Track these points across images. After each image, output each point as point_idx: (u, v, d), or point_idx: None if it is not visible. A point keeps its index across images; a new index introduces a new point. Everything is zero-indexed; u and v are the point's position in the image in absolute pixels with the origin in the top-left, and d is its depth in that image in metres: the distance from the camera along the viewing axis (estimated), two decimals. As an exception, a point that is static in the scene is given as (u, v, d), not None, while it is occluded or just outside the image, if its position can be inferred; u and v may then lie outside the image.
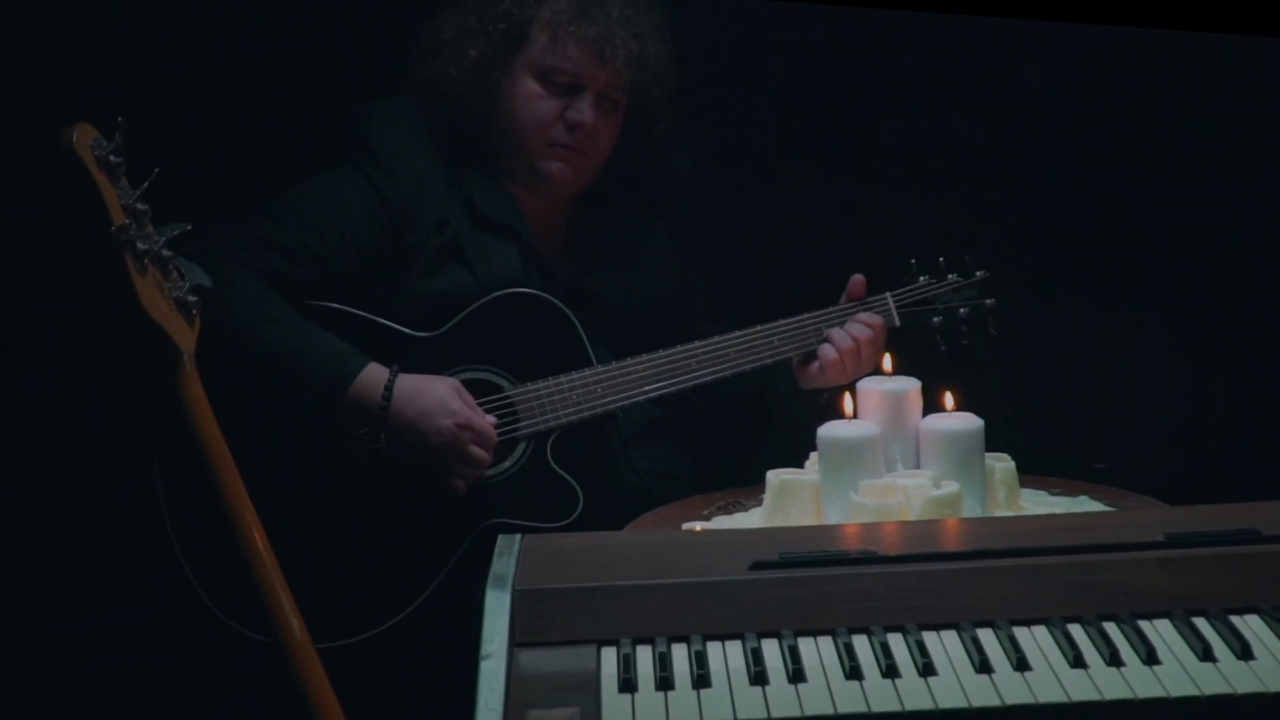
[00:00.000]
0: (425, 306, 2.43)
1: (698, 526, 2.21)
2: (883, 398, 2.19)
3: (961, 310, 2.54)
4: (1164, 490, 2.29)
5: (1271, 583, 1.68)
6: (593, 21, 2.42)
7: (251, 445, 1.96)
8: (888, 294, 2.54)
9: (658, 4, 2.52)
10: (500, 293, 2.44)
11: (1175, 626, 1.63)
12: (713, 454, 2.65)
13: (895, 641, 1.62)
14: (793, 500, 2.14)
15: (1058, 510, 2.21)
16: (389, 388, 2.34)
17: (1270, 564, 1.70)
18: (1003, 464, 2.18)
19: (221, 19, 2.62)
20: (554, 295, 2.46)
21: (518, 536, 1.82)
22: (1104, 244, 3.00)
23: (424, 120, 2.52)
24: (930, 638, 1.62)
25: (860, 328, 2.48)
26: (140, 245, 1.78)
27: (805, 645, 1.61)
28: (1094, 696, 1.52)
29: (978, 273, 2.56)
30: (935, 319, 2.53)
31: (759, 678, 1.56)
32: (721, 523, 2.24)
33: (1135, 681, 1.54)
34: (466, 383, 2.41)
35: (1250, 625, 1.63)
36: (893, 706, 1.51)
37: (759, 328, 2.50)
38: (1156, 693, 1.52)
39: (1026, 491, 2.25)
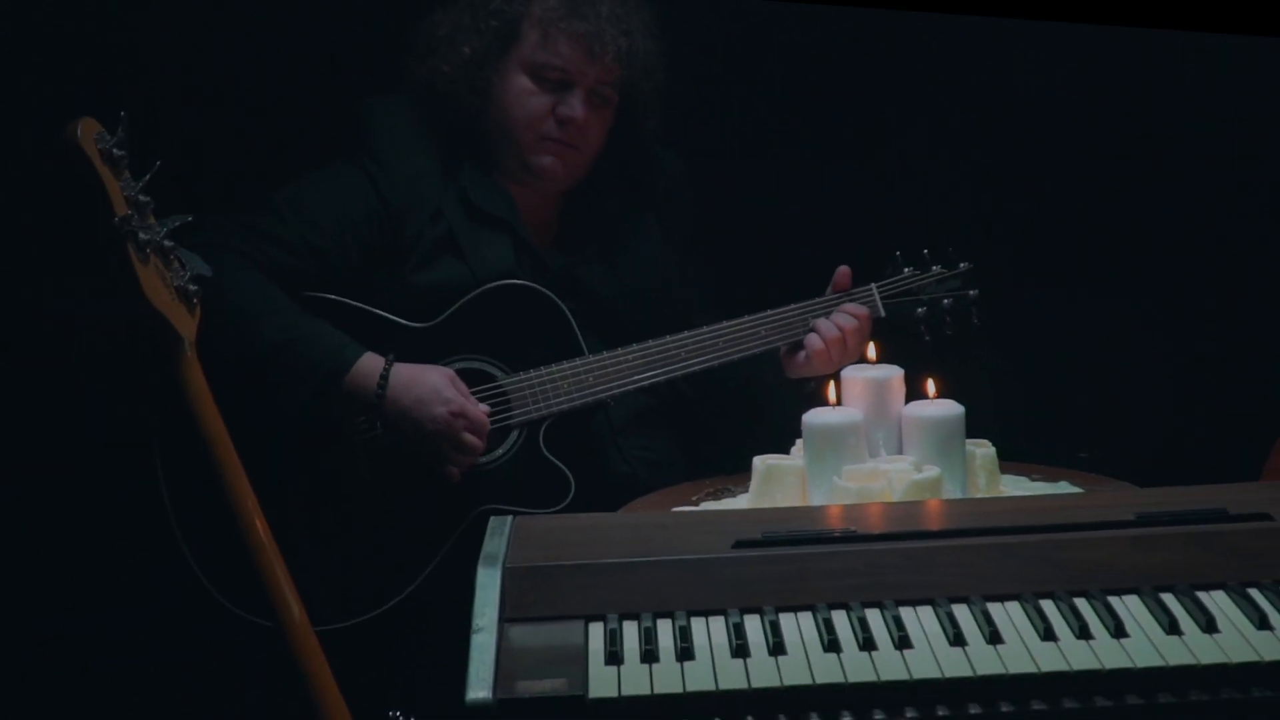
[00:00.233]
0: (420, 298, 2.45)
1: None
2: (866, 385, 2.20)
3: (945, 301, 2.56)
4: (1145, 479, 2.29)
5: (1238, 560, 1.73)
6: (583, 19, 2.44)
7: (250, 434, 1.98)
8: (873, 285, 2.56)
9: (646, 1, 2.54)
10: (494, 284, 2.46)
11: (1144, 601, 1.68)
12: (702, 442, 2.67)
13: (873, 616, 1.66)
14: (779, 485, 2.16)
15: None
16: (384, 376, 2.36)
17: (1237, 542, 1.75)
18: (983, 450, 2.20)
19: (223, 19, 2.64)
20: (546, 287, 2.48)
21: (509, 518, 1.86)
22: (1087, 237, 3.02)
23: (420, 117, 2.54)
24: (907, 613, 1.67)
25: (846, 318, 2.50)
26: (142, 236, 1.82)
27: (786, 620, 1.66)
28: (1063, 667, 1.57)
29: (961, 264, 2.58)
30: (919, 309, 2.55)
31: (740, 651, 1.61)
32: (710, 508, 2.25)
33: (1103, 653, 1.59)
34: (461, 372, 2.43)
35: (1216, 600, 1.68)
36: (869, 677, 1.56)
37: (747, 318, 2.52)
38: (1123, 663, 1.57)
39: (1007, 478, 2.27)
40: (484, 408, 2.41)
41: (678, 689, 1.55)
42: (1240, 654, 1.58)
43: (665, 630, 1.65)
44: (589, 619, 1.67)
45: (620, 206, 2.64)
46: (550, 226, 2.62)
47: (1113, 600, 1.68)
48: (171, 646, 2.61)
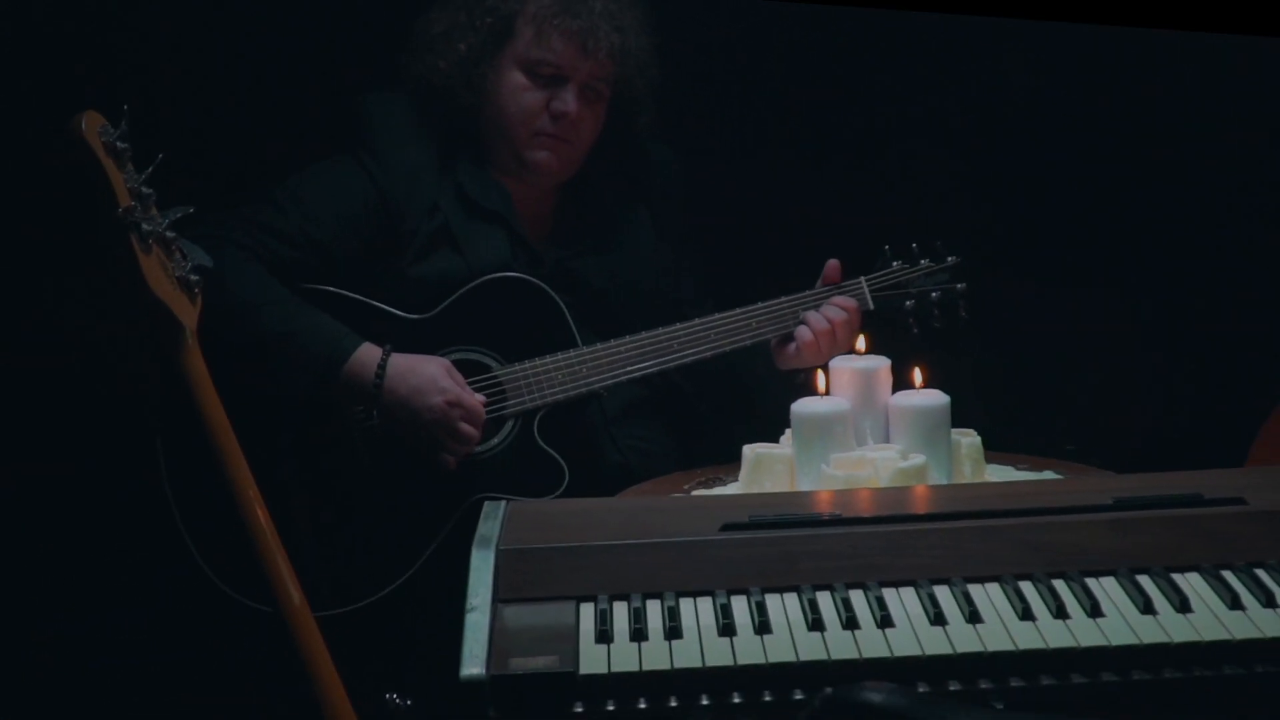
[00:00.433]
0: (418, 290, 2.47)
1: (678, 499, 2.26)
2: (854, 375, 2.24)
3: (933, 294, 2.59)
4: (1132, 471, 2.28)
5: (1212, 542, 1.77)
6: (576, 16, 2.46)
7: (251, 423, 2.01)
8: (862, 278, 2.59)
9: None
10: (489, 277, 2.48)
11: (1120, 583, 1.72)
12: (694, 432, 2.69)
13: (856, 597, 1.70)
14: (768, 473, 2.20)
15: (1020, 482, 2.28)
16: (382, 367, 2.38)
17: (1211, 525, 1.79)
18: (968, 439, 2.23)
19: (223, 18, 2.66)
20: (541, 279, 2.50)
21: (503, 502, 1.90)
22: (1077, 232, 3.05)
23: (416, 112, 2.56)
24: (889, 593, 1.71)
25: (835, 310, 2.53)
26: (145, 226, 1.86)
27: (772, 601, 1.69)
28: (1040, 645, 1.60)
29: (949, 259, 2.61)
30: (908, 302, 2.58)
31: (727, 630, 1.64)
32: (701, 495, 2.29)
33: (1079, 632, 1.63)
34: (457, 363, 2.45)
35: (1190, 581, 1.72)
36: (851, 655, 1.60)
37: (738, 310, 2.54)
38: (1098, 641, 1.61)
39: (993, 467, 2.30)
40: (480, 397, 2.43)
41: (665, 666, 1.59)
42: (1212, 633, 1.62)
43: (654, 610, 1.69)
44: (580, 599, 1.70)
45: (614, 201, 2.66)
46: (545, 220, 2.64)
47: (1090, 582, 1.72)
48: (172, 636, 2.62)
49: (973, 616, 1.66)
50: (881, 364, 2.26)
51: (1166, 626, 1.63)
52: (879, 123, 2.99)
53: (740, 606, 1.69)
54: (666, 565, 1.74)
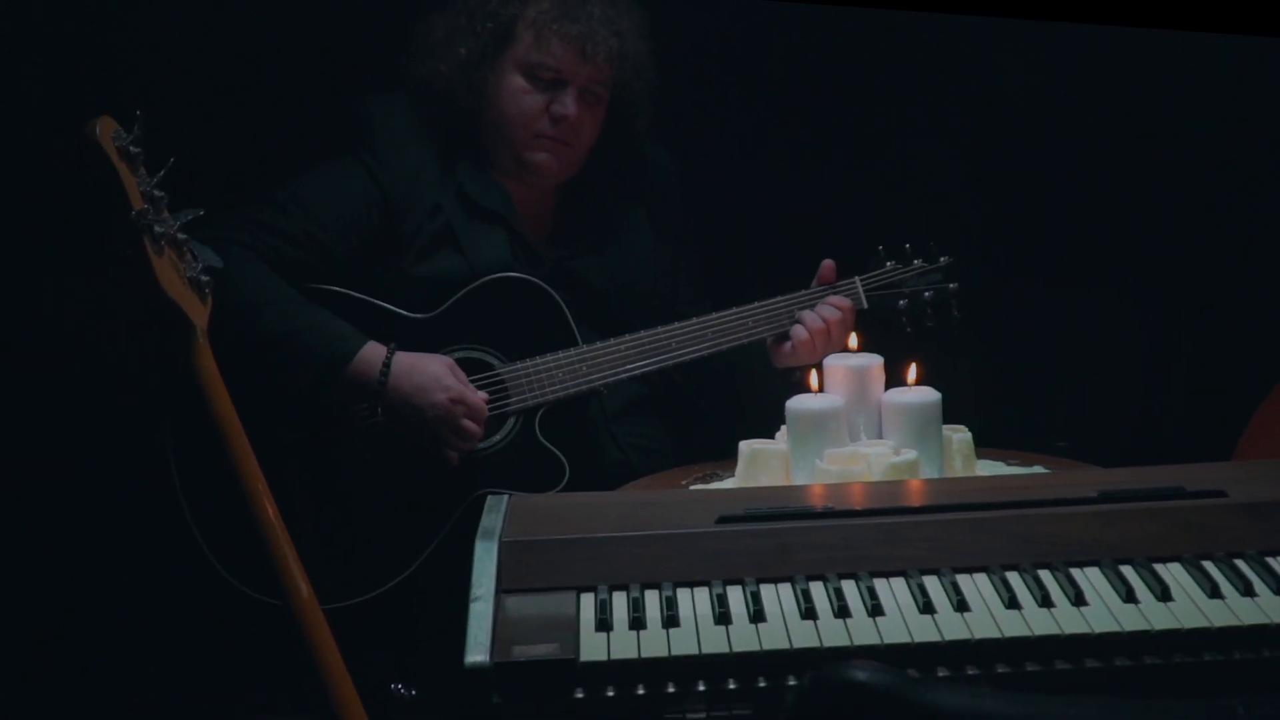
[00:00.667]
0: (420, 289, 2.50)
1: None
2: (847, 373, 2.27)
3: (926, 294, 2.62)
4: (1123, 466, 2.36)
5: (1193, 533, 1.82)
6: (575, 20, 2.49)
7: (259, 420, 2.03)
8: (856, 278, 2.62)
9: (636, 3, 2.59)
10: (491, 277, 2.51)
11: (1104, 573, 1.77)
12: (692, 429, 2.72)
13: (848, 587, 1.75)
14: (763, 468, 2.22)
15: (1009, 477, 2.32)
16: (386, 365, 2.40)
17: (1192, 517, 1.84)
18: (959, 434, 2.26)
19: (224, 19, 2.68)
20: (541, 279, 2.52)
21: (506, 496, 1.95)
22: (1071, 232, 3.07)
23: (418, 114, 2.58)
24: (880, 584, 1.76)
25: (830, 309, 2.56)
26: (158, 229, 1.88)
27: (766, 591, 1.74)
28: (1024, 632, 1.66)
29: (942, 259, 2.64)
30: (901, 302, 2.61)
31: (723, 618, 1.69)
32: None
33: (1063, 619, 1.68)
34: (459, 361, 2.48)
35: (1172, 571, 1.77)
36: (843, 642, 1.65)
37: (735, 310, 2.57)
38: (1081, 629, 1.66)
39: (984, 462, 2.33)
40: (482, 395, 2.46)
41: (663, 653, 1.64)
42: (1192, 620, 1.67)
43: (652, 600, 1.73)
44: (581, 590, 1.75)
45: (613, 202, 2.69)
46: (545, 221, 2.67)
47: (1074, 571, 1.77)
48: (172, 635, 2.65)
49: (960, 605, 1.71)
50: (874, 362, 2.29)
51: (1148, 614, 1.68)
52: (872, 125, 3.01)
53: (736, 596, 1.74)
54: (664, 556, 1.79)
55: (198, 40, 2.68)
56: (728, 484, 2.33)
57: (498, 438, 2.52)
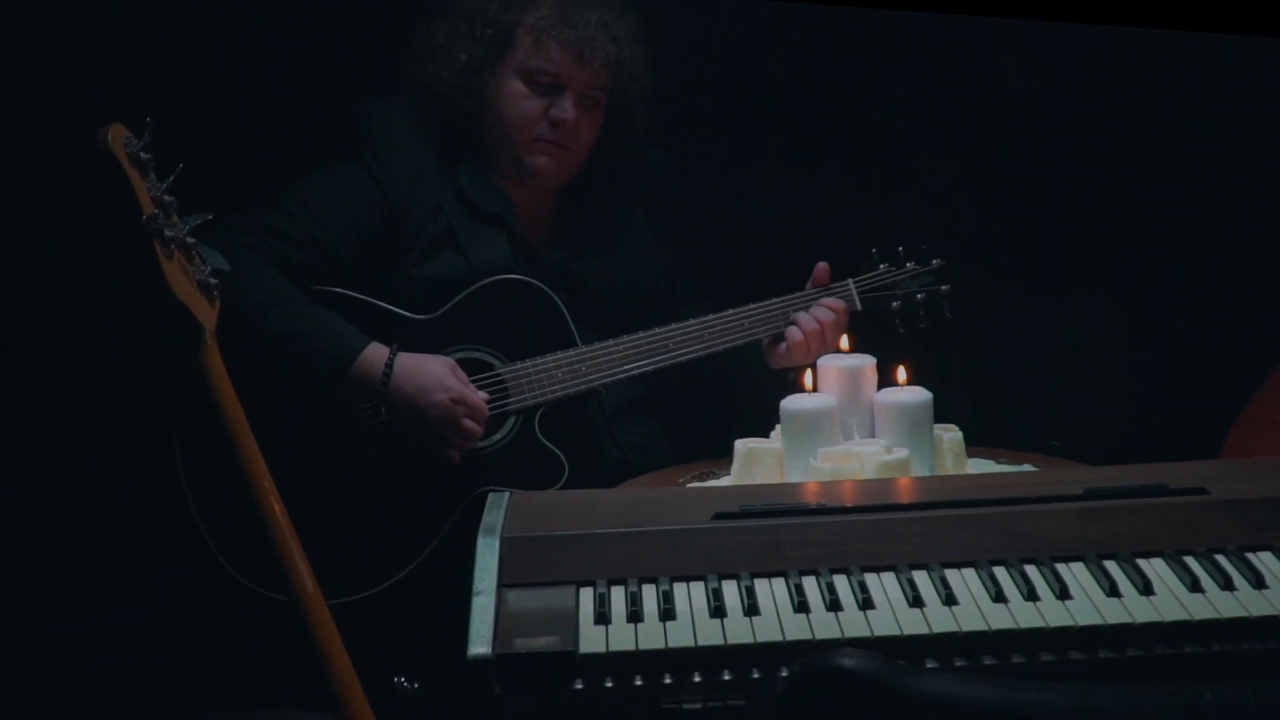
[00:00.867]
0: (422, 290, 2.53)
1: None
2: (840, 373, 2.29)
3: (919, 296, 2.65)
4: (1114, 464, 2.38)
5: (1176, 530, 1.86)
6: (573, 26, 2.53)
7: (264, 419, 2.08)
8: (850, 280, 2.65)
9: (633, 9, 2.62)
10: (492, 278, 2.53)
11: (1088, 567, 1.81)
12: (689, 428, 2.74)
13: (840, 581, 1.79)
14: (759, 467, 2.25)
15: (998, 476, 2.35)
16: (389, 365, 2.43)
17: (1175, 514, 1.88)
18: (950, 434, 2.29)
19: (225, 21, 2.70)
20: (541, 280, 2.55)
21: (507, 493, 1.98)
22: (1062, 233, 3.10)
23: (418, 118, 2.61)
24: (871, 578, 1.80)
25: (824, 311, 2.59)
26: (167, 233, 1.94)
27: (760, 585, 1.78)
28: (1010, 625, 1.70)
29: (934, 261, 2.67)
30: (894, 304, 2.64)
31: (718, 612, 1.73)
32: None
33: (1048, 613, 1.72)
34: (460, 361, 2.51)
35: (1154, 566, 1.82)
36: (834, 635, 1.69)
37: (731, 311, 2.60)
38: (1065, 622, 1.71)
39: (975, 460, 2.36)
40: (483, 395, 2.49)
41: (660, 645, 1.68)
42: (1173, 613, 1.71)
43: (650, 594, 1.77)
44: (580, 584, 1.79)
45: (611, 204, 2.72)
46: (544, 223, 2.70)
47: (1060, 566, 1.81)
48: (173, 635, 2.67)
49: (949, 599, 1.75)
50: (867, 362, 2.32)
51: (1130, 608, 1.73)
52: (867, 130, 3.03)
53: (731, 590, 1.78)
54: (662, 552, 1.83)
55: (200, 44, 2.70)
56: (724, 482, 2.36)
57: (498, 437, 2.55)
